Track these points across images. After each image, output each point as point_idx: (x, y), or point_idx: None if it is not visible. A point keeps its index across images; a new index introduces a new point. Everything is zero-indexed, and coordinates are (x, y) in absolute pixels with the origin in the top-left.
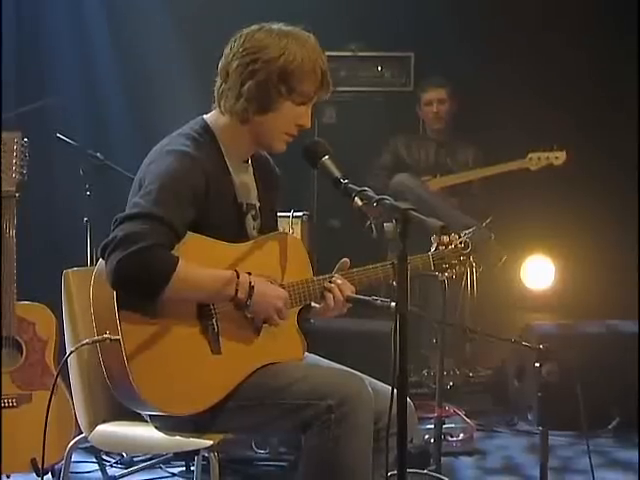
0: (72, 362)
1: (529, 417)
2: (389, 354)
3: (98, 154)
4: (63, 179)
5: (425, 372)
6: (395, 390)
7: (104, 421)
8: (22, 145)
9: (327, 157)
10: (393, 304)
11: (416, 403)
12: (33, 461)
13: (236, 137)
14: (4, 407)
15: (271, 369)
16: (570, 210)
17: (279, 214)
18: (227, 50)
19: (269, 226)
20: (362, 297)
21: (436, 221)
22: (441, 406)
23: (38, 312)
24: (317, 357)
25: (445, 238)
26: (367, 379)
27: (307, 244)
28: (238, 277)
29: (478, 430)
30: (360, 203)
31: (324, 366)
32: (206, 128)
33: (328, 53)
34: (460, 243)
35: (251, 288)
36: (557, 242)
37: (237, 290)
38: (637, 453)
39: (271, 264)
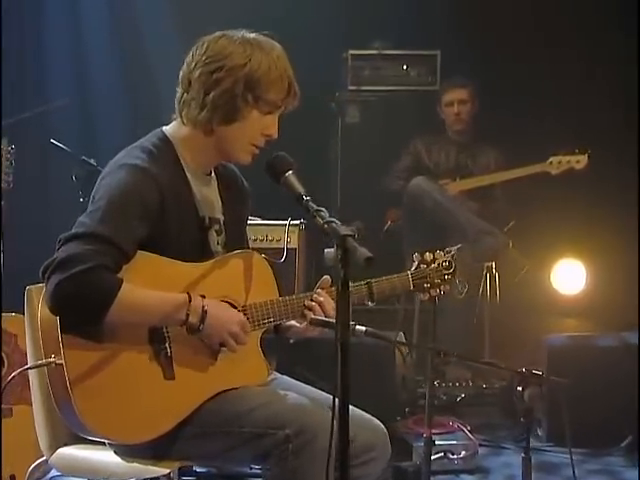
0: (33, 382)
1: (539, 432)
2: (392, 367)
3: (92, 160)
4: (56, 185)
5: (436, 383)
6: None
7: (65, 444)
8: (8, 152)
9: (291, 172)
10: (358, 327)
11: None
12: (12, 477)
13: (198, 148)
14: None
15: (231, 395)
16: (602, 212)
17: (276, 222)
18: (189, 58)
19: (235, 241)
20: (325, 319)
21: (365, 253)
22: (430, 426)
23: (20, 324)
24: (288, 380)
25: (428, 256)
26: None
27: (305, 254)
28: (190, 300)
29: (484, 446)
30: (322, 221)
31: (289, 391)
32: (164, 140)
33: (352, 52)
34: (444, 262)
35: (204, 312)
36: (589, 245)
37: (188, 314)
38: None
39: (233, 285)
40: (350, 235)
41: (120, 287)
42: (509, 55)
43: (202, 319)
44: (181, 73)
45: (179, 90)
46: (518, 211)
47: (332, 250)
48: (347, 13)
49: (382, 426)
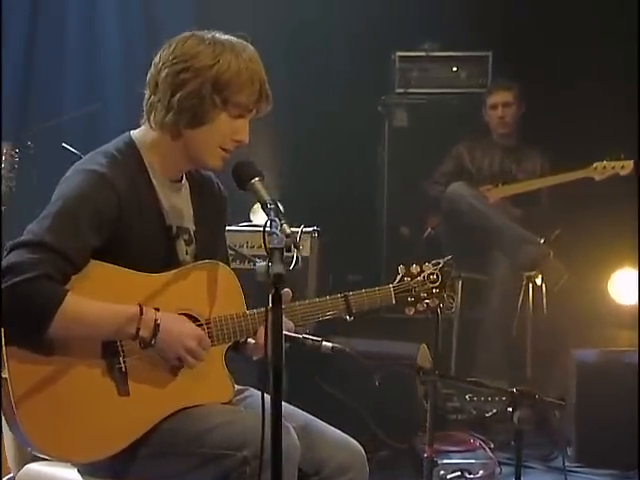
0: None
1: (568, 452)
2: (413, 381)
3: None
4: None
5: (468, 397)
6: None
7: (32, 460)
8: (11, 156)
9: (257, 179)
10: (325, 343)
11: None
12: None
13: (165, 154)
14: None
15: (191, 413)
16: None
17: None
18: (156, 59)
19: (208, 251)
20: (291, 334)
21: (276, 268)
22: (432, 446)
23: None
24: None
25: (415, 268)
26: (314, 422)
27: (317, 262)
28: (142, 313)
29: (507, 465)
30: (288, 231)
31: (252, 410)
32: (130, 144)
33: (400, 53)
34: (431, 274)
35: (157, 326)
36: None
37: (139, 328)
38: None
39: (196, 297)
40: (277, 248)
41: (64, 297)
42: (558, 57)
43: (154, 333)
44: (148, 75)
45: (147, 92)
46: (569, 218)
47: (262, 264)
48: (395, 13)
49: (359, 447)
